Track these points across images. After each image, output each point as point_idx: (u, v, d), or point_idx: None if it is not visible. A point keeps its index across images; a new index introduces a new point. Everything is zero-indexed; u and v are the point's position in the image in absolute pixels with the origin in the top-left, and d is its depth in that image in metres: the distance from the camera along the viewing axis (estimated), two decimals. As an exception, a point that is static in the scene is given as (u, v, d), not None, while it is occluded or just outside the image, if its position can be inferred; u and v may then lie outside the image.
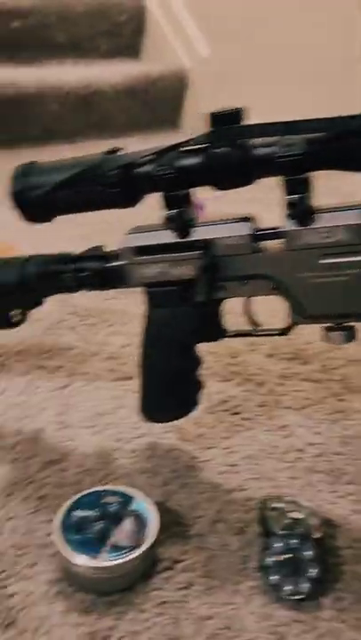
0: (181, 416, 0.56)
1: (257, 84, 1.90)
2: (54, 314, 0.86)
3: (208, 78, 2.12)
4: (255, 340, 0.79)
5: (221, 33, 2.04)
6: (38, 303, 0.58)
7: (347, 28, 1.65)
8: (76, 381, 0.71)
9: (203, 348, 0.76)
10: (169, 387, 0.54)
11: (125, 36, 2.34)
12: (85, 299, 0.89)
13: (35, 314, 0.85)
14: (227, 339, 0.79)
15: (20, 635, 0.41)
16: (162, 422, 0.59)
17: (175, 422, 0.62)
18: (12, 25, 2.02)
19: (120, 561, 0.42)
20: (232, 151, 0.42)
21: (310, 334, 0.75)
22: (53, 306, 0.88)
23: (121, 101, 2.09)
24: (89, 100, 2.01)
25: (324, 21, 1.69)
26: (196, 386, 0.55)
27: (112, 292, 0.91)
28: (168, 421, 0.58)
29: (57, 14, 2.10)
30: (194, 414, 0.64)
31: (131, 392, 0.69)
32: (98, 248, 0.55)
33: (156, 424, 0.61)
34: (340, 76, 1.69)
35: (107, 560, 0.42)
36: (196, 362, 0.54)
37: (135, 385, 0.69)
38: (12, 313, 0.60)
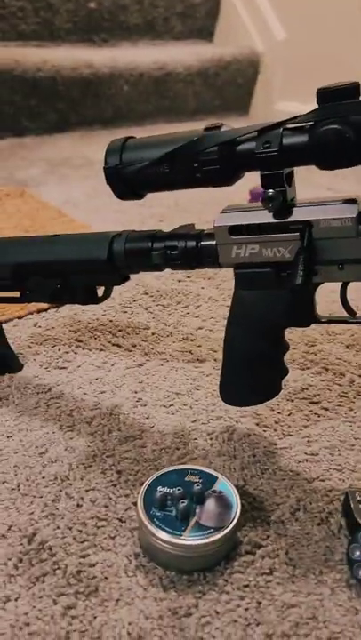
0: (262, 401, 0.55)
1: (333, 71, 1.84)
2: (127, 293, 0.86)
3: (281, 63, 2.07)
4: (333, 330, 0.77)
5: (298, 16, 1.98)
6: (125, 279, 0.58)
7: None
8: (152, 360, 0.71)
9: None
10: (253, 370, 0.53)
11: (200, 18, 2.31)
12: (157, 280, 0.90)
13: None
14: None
15: (101, 603, 0.41)
16: (242, 406, 0.58)
17: (252, 407, 0.61)
18: (88, 6, 2.03)
19: (203, 541, 0.42)
20: (342, 128, 0.40)
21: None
22: (125, 285, 0.88)
23: (193, 84, 2.07)
24: (161, 82, 2.00)
25: None
26: (281, 372, 0.54)
27: (182, 274, 0.92)
28: (248, 405, 0.57)
29: (133, -4, 2.10)
30: (271, 401, 0.63)
31: (205, 375, 0.68)
32: (189, 226, 0.54)
33: (232, 407, 0.61)
34: None
35: (190, 539, 0.42)
36: (282, 347, 0.53)
37: (209, 368, 0.69)
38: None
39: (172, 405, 0.63)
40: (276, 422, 0.60)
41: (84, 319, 0.79)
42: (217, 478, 0.48)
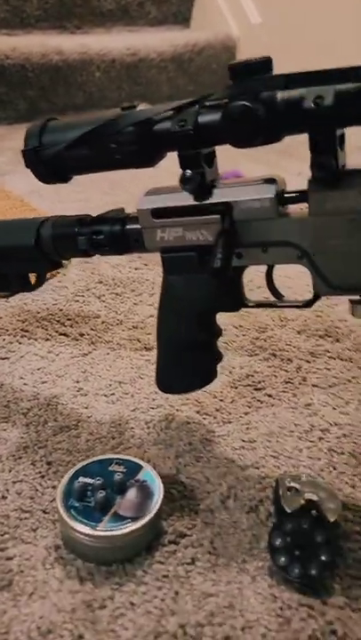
0: (197, 388, 0.54)
1: (310, 54, 1.82)
2: (81, 282, 0.84)
3: (257, 47, 2.04)
4: (286, 315, 0.76)
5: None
6: (56, 266, 0.57)
7: None
8: (98, 349, 0.70)
9: (228, 322, 0.74)
10: (185, 357, 0.52)
11: (175, 3, 2.28)
12: (113, 268, 0.88)
13: (61, 281, 0.85)
14: (256, 312, 0.77)
15: (14, 597, 0.40)
16: (177, 393, 0.57)
17: (194, 395, 0.60)
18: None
19: (120, 531, 0.41)
20: (253, 105, 0.39)
21: (345, 310, 0.72)
22: (80, 274, 0.87)
23: (166, 70, 2.04)
24: (133, 68, 1.97)
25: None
26: (214, 357, 0.53)
27: (140, 262, 0.90)
28: (183, 393, 0.56)
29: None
30: (214, 387, 0.62)
31: (151, 363, 0.67)
32: (119, 210, 0.53)
33: (174, 396, 0.60)
34: None
35: (106, 529, 0.41)
36: (214, 332, 0.52)
37: (155, 356, 0.68)
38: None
39: (112, 394, 0.62)
40: (217, 410, 0.59)
41: (34, 309, 0.78)
42: (142, 467, 0.47)
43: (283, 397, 0.61)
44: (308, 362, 0.67)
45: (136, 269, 0.89)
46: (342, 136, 0.41)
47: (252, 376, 0.65)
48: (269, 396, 0.62)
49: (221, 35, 2.13)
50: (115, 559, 0.42)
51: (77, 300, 0.80)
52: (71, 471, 0.46)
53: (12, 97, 1.77)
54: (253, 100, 0.39)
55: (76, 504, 0.43)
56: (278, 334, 0.73)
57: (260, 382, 0.64)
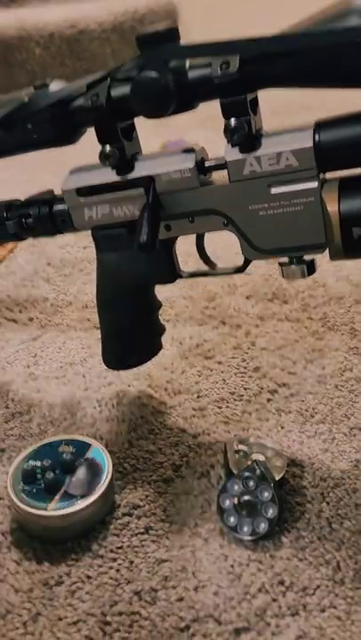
0: (143, 362, 0.54)
1: (250, 14, 1.79)
2: (29, 266, 0.84)
3: (198, 10, 2.00)
4: (235, 282, 0.77)
5: None
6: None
7: None
8: (48, 332, 0.70)
9: (178, 293, 0.74)
10: (127, 332, 0.52)
11: (111, -30, 2.21)
12: (61, 249, 0.87)
13: (8, 267, 0.84)
14: (205, 281, 0.77)
15: (-27, 584, 0.41)
16: (124, 369, 0.57)
17: (145, 369, 0.61)
18: (-12, -35, 1.91)
19: (69, 510, 0.42)
20: (160, 76, 0.39)
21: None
22: (28, 258, 0.86)
23: (109, 41, 1.99)
24: (74, 41, 1.91)
25: None
26: (156, 330, 0.54)
27: (89, 240, 0.90)
28: (130, 368, 0.56)
29: None
30: (165, 360, 0.63)
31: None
32: (47, 192, 0.52)
33: (125, 372, 0.60)
34: None
35: (55, 509, 0.42)
36: (153, 305, 0.52)
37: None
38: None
39: (64, 376, 0.62)
40: (168, 382, 0.60)
41: (-18, 297, 0.77)
42: (90, 445, 0.47)
43: (232, 363, 0.62)
44: (256, 326, 0.68)
45: (84, 248, 0.88)
46: (254, 100, 0.41)
47: (202, 345, 0.66)
48: (219, 363, 0.63)
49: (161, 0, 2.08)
50: (69, 537, 0.43)
51: (26, 285, 0.79)
52: (20, 456, 0.47)
53: None
54: (162, 70, 0.39)
55: (27, 487, 0.44)
56: (227, 301, 0.73)
57: (209, 350, 0.65)
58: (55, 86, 0.44)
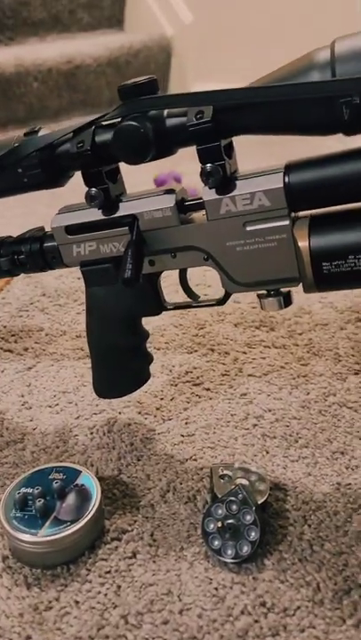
0: (132, 391, 0.57)
1: (241, 50, 1.85)
2: (25, 297, 0.86)
3: (192, 46, 2.07)
4: (223, 310, 0.79)
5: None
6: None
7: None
8: (43, 362, 0.72)
9: (168, 322, 0.77)
10: (116, 363, 0.55)
11: (106, 8, 2.29)
12: (56, 280, 0.90)
13: (5, 298, 0.87)
14: (195, 310, 0.80)
15: (-35, 609, 0.43)
16: (114, 398, 0.59)
17: (135, 396, 0.63)
18: (-13, 5, 1.99)
19: (59, 535, 0.44)
20: (140, 124, 0.42)
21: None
22: (24, 289, 0.89)
23: (105, 75, 2.06)
24: (71, 75, 1.98)
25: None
26: (145, 359, 0.56)
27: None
28: (120, 397, 0.58)
29: (33, -10, 2.06)
30: (155, 387, 0.65)
31: (94, 369, 0.69)
32: (38, 229, 0.55)
33: (115, 400, 0.62)
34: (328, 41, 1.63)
35: (46, 535, 0.44)
36: (140, 336, 0.55)
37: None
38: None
39: (57, 405, 0.64)
40: (158, 408, 0.62)
41: (-22, 328, 0.79)
42: (80, 472, 0.49)
43: (220, 390, 0.64)
44: (244, 353, 0.70)
45: (79, 279, 0.91)
46: (228, 145, 0.44)
47: (191, 372, 0.68)
48: (207, 389, 0.65)
49: (155, 35, 2.15)
50: (59, 562, 0.45)
51: (21, 315, 0.82)
52: (12, 484, 0.48)
53: None
54: (141, 119, 0.42)
55: (19, 514, 0.46)
56: (216, 329, 0.76)
57: (198, 377, 0.67)
58: (44, 133, 0.47)
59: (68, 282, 0.90)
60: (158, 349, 0.72)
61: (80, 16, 2.23)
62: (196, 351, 0.72)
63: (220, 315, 0.79)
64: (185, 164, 1.25)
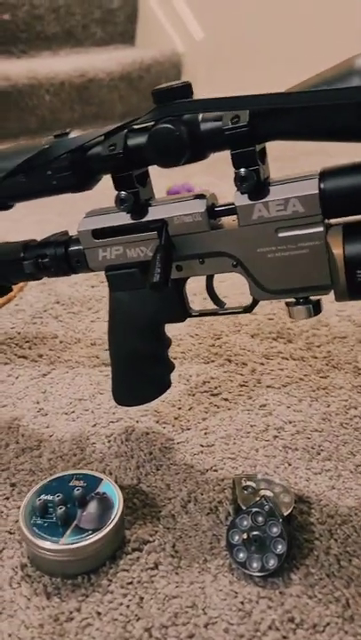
0: (152, 399, 0.56)
1: (251, 66, 1.87)
2: (38, 303, 0.86)
3: (202, 62, 2.09)
4: (240, 321, 0.79)
5: (213, 16, 2.02)
6: (6, 290, 0.58)
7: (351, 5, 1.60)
8: (58, 369, 0.71)
9: (185, 331, 0.76)
10: (138, 369, 0.54)
11: (119, 23, 2.32)
12: (70, 288, 0.90)
13: (18, 305, 0.86)
14: (211, 320, 0.79)
15: (-17, 619, 0.41)
16: (134, 406, 0.58)
17: (153, 405, 0.62)
18: (2, 17, 2.01)
19: (81, 544, 0.42)
20: (175, 128, 0.41)
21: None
22: (38, 296, 0.88)
23: (117, 89, 2.08)
24: (84, 89, 1.99)
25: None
26: (167, 367, 0.55)
27: (96, 279, 0.92)
28: (140, 404, 0.57)
29: (47, 5, 2.09)
30: (172, 396, 0.64)
31: (110, 378, 0.68)
32: (62, 233, 0.55)
33: (132, 408, 0.61)
34: (338, 57, 1.65)
35: (67, 543, 0.42)
36: (163, 343, 0.54)
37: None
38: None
39: (73, 412, 0.63)
40: (176, 418, 0.61)
41: (-8, 334, 0.79)
42: (101, 480, 0.48)
43: (239, 400, 0.64)
44: (262, 364, 0.70)
45: (93, 287, 0.90)
46: (262, 151, 0.43)
47: (209, 382, 0.67)
48: (226, 400, 0.64)
49: (167, 51, 2.18)
50: (80, 571, 0.44)
51: (35, 322, 0.81)
52: (32, 490, 0.47)
53: None
54: (176, 122, 0.42)
55: (39, 521, 0.44)
56: (233, 340, 0.75)
57: (216, 388, 0.66)
58: (74, 135, 0.47)
59: (81, 290, 0.90)
60: (175, 359, 0.71)
61: (93, 31, 2.26)
62: (213, 361, 0.71)
63: (236, 325, 0.78)
64: (198, 177, 1.25)
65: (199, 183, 1.19)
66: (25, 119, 1.91)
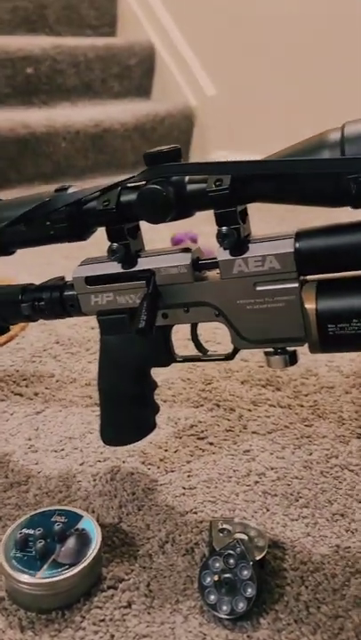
0: (137, 439, 0.58)
1: (260, 124, 1.96)
2: (39, 343, 0.89)
3: (213, 116, 2.19)
4: (231, 367, 0.81)
5: (224, 74, 2.13)
6: (4, 330, 0.61)
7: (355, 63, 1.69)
8: (51, 407, 0.73)
9: (177, 375, 0.78)
10: (124, 410, 0.56)
11: (136, 78, 2.43)
12: (70, 329, 0.93)
13: (19, 343, 0.89)
14: (203, 365, 0.82)
15: None
16: (120, 445, 0.60)
17: (140, 446, 0.64)
18: (26, 71, 2.13)
19: (56, 578, 0.44)
20: (163, 188, 0.45)
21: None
22: (38, 335, 0.91)
23: (130, 139, 2.17)
24: (98, 138, 2.08)
25: (330, 60, 1.74)
26: (152, 409, 0.57)
27: (95, 322, 0.95)
28: (125, 444, 0.59)
29: (69, 60, 2.21)
30: (159, 438, 0.66)
31: (101, 417, 0.71)
32: (58, 278, 0.58)
33: (120, 448, 0.63)
34: (345, 114, 1.73)
35: (43, 577, 0.44)
36: (149, 386, 0.56)
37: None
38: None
39: (62, 450, 0.65)
40: (161, 459, 0.63)
41: (-8, 371, 0.82)
42: (82, 517, 0.50)
43: (223, 445, 0.65)
44: (249, 410, 0.72)
45: (92, 329, 0.93)
46: (243, 211, 0.47)
47: (196, 426, 0.69)
48: (211, 444, 0.66)
49: (180, 105, 2.28)
50: (54, 606, 0.45)
51: (34, 361, 0.84)
52: (15, 524, 0.49)
53: (-20, 168, 1.86)
54: (164, 183, 0.46)
55: (19, 554, 0.46)
56: (223, 385, 0.77)
57: (203, 432, 0.68)
58: (73, 190, 0.51)
59: (81, 331, 0.93)
60: (165, 401, 0.73)
61: (111, 85, 2.37)
62: (202, 405, 0.73)
63: (227, 372, 0.80)
64: (201, 226, 1.30)
65: (202, 232, 1.24)
66: (41, 164, 1.99)
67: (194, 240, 1.29)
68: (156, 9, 2.36)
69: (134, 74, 2.41)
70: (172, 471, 0.61)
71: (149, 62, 2.43)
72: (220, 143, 2.12)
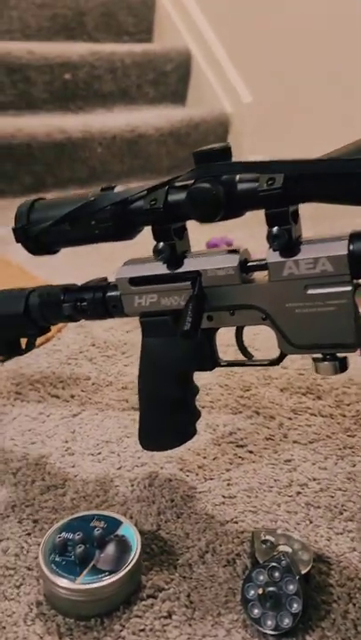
0: (177, 445, 0.56)
1: (294, 129, 1.94)
2: (75, 345, 0.88)
3: (248, 123, 2.18)
4: (270, 374, 0.79)
5: (260, 81, 2.11)
6: (45, 330, 0.61)
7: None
8: (88, 410, 0.73)
9: (215, 381, 0.77)
10: (164, 415, 0.55)
11: (171, 84, 2.44)
12: (106, 332, 0.92)
13: (55, 345, 0.89)
14: (241, 371, 0.80)
15: (-4, 653, 0.42)
16: (159, 451, 0.59)
17: (178, 452, 0.63)
18: (63, 77, 2.15)
19: (96, 584, 0.43)
20: (213, 187, 0.44)
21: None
22: (74, 338, 0.91)
23: (165, 144, 2.17)
24: (134, 143, 2.09)
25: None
26: (192, 415, 0.56)
27: (131, 325, 0.94)
28: (165, 450, 0.58)
29: (106, 66, 2.23)
30: (198, 445, 0.64)
31: (137, 422, 0.69)
32: (101, 279, 0.58)
33: (158, 453, 0.62)
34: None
35: (83, 582, 0.43)
36: (191, 391, 0.55)
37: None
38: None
39: (99, 454, 0.64)
40: (200, 467, 0.62)
41: (28, 372, 0.81)
42: (121, 523, 0.49)
43: (264, 454, 0.64)
44: (289, 419, 0.70)
45: (128, 332, 0.93)
46: (295, 212, 0.45)
47: (235, 433, 0.67)
48: (251, 452, 0.64)
49: (215, 111, 2.27)
50: (93, 613, 0.44)
51: (70, 363, 0.84)
52: (54, 528, 0.48)
53: (18, 173, 1.88)
54: (214, 182, 0.44)
55: (58, 559, 0.45)
56: (262, 392, 0.75)
57: (242, 439, 0.66)
58: (119, 189, 0.50)
59: (117, 334, 0.92)
60: (203, 407, 0.72)
61: (146, 90, 2.38)
62: (240, 412, 0.71)
63: (266, 378, 0.79)
64: (236, 231, 1.28)
65: (237, 237, 1.22)
66: (76, 169, 2.01)
67: (229, 245, 1.28)
68: (194, 15, 2.37)
69: (170, 80, 2.42)
70: (211, 479, 0.60)
71: (185, 68, 2.43)
72: (256, 150, 2.10)
